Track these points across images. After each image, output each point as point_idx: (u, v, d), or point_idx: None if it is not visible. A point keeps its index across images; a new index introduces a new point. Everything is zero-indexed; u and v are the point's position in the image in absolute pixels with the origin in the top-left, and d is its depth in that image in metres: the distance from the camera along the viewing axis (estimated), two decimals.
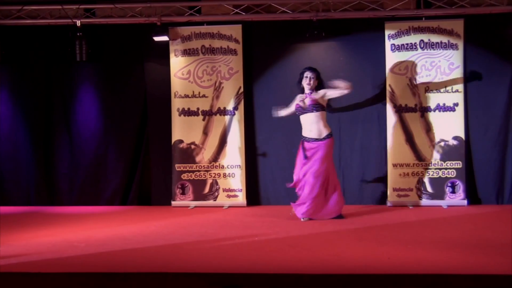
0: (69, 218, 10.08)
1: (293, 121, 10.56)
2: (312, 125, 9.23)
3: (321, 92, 9.33)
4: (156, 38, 10.84)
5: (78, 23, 10.71)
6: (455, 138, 10.52)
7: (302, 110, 9.28)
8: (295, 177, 9.49)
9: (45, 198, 11.46)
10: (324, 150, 9.19)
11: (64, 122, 11.43)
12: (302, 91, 9.47)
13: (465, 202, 10.46)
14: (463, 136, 10.50)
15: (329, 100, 9.66)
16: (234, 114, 10.96)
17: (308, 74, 9.37)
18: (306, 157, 9.24)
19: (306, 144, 9.29)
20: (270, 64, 11.01)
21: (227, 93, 10.97)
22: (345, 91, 9.32)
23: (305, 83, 9.37)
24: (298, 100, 9.32)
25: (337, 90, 9.32)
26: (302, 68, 10.48)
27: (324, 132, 9.23)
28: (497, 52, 10.51)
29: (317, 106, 9.23)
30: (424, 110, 10.57)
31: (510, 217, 9.28)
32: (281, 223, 9.12)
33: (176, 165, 11.07)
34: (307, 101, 9.23)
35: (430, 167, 10.57)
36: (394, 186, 10.65)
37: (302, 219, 9.23)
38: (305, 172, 9.25)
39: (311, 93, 9.30)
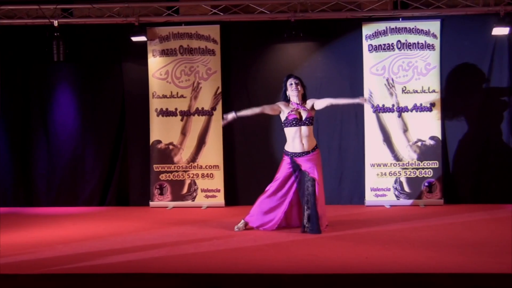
0: (46, 219, 10.03)
1: (271, 120, 10.59)
2: (304, 139, 8.38)
3: (309, 102, 8.50)
4: (134, 38, 10.82)
5: (56, 23, 10.65)
6: (432, 138, 10.59)
7: (298, 122, 8.37)
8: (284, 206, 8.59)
9: (22, 199, 11.40)
10: (318, 160, 8.51)
11: (42, 123, 11.37)
12: (286, 100, 8.60)
13: (442, 201, 10.54)
14: (439, 136, 10.58)
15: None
16: (212, 114, 10.96)
17: (292, 81, 8.47)
18: (298, 173, 8.48)
19: (298, 160, 8.42)
20: (248, 64, 11.03)
21: (205, 94, 10.97)
22: (339, 101, 8.70)
23: (291, 91, 8.46)
24: (287, 109, 8.45)
25: (326, 100, 8.54)
26: (280, 68, 10.55)
27: (314, 144, 8.49)
28: (473, 53, 10.60)
29: (312, 119, 8.48)
30: (401, 110, 10.64)
31: (486, 216, 9.39)
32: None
33: (154, 166, 11.05)
34: (304, 114, 8.39)
35: (407, 167, 10.63)
36: (372, 186, 10.71)
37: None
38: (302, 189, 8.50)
39: (301, 104, 8.53)
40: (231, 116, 8.54)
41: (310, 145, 8.43)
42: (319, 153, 8.54)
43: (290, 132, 8.44)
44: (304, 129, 8.39)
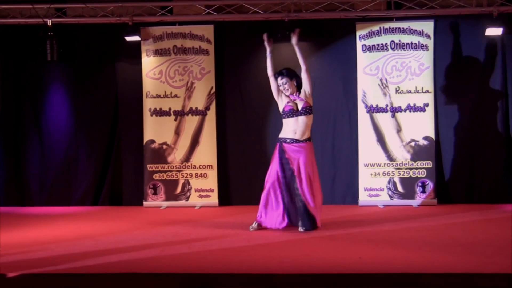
0: (39, 219, 10.01)
1: (265, 120, 10.58)
2: (298, 128, 8.37)
3: (302, 92, 8.52)
4: (128, 38, 10.81)
5: (49, 22, 10.63)
6: (425, 138, 10.60)
7: (294, 112, 8.41)
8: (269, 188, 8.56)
9: (15, 199, 11.36)
10: (310, 153, 8.49)
11: (35, 122, 11.34)
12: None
13: (435, 201, 10.55)
14: (433, 136, 10.59)
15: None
16: (206, 114, 10.95)
17: (280, 81, 8.55)
18: (285, 162, 8.44)
19: (286, 146, 8.42)
20: (242, 64, 11.02)
21: (199, 93, 10.96)
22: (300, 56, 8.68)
23: (282, 90, 8.54)
24: (286, 99, 8.51)
25: (303, 74, 8.56)
26: (274, 68, 10.54)
27: (306, 135, 8.46)
28: (466, 53, 10.62)
29: (309, 108, 8.48)
30: (395, 111, 10.65)
31: (480, 216, 9.40)
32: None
33: (148, 165, 11.04)
34: (300, 104, 8.43)
35: (400, 167, 10.64)
36: (365, 186, 10.71)
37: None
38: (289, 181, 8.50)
39: (297, 94, 8.51)
40: (267, 44, 8.86)
41: (301, 135, 8.42)
42: (311, 146, 8.53)
43: (288, 123, 8.47)
44: (302, 119, 8.43)
